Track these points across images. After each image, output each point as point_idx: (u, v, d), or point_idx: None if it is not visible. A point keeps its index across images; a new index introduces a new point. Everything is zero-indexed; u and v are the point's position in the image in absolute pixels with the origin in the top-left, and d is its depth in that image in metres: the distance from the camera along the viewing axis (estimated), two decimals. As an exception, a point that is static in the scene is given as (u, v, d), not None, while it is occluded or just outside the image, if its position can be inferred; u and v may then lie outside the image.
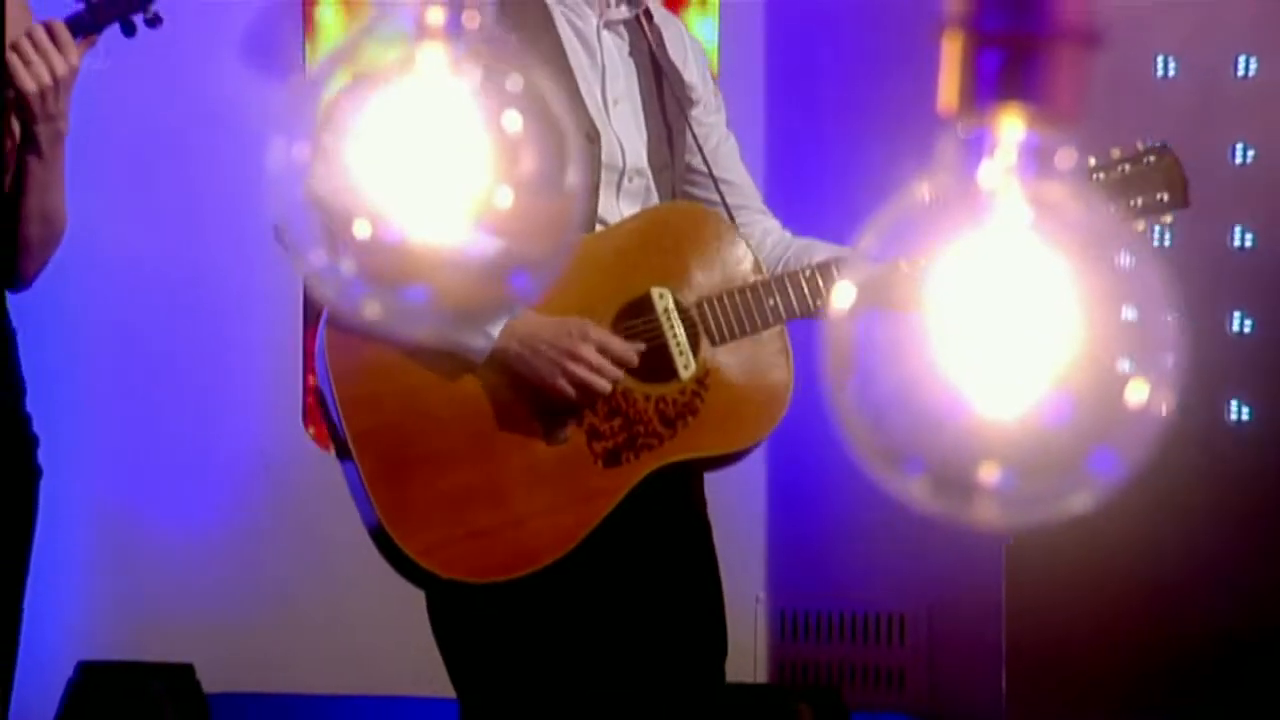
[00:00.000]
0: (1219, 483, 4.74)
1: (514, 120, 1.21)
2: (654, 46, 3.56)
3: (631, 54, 3.55)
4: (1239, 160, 4.87)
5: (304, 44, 5.33)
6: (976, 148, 1.11)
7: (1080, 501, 1.13)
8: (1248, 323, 4.87)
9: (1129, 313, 1.11)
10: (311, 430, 5.28)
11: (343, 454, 3.41)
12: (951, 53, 1.14)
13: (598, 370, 3.32)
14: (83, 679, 4.86)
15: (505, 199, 1.22)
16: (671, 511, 3.52)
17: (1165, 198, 3.54)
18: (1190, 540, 4.69)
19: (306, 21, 5.32)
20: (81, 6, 3.53)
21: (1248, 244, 4.85)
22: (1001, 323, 1.11)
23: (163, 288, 5.06)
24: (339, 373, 3.41)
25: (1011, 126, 1.10)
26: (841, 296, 2.89)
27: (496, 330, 3.31)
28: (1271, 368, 4.81)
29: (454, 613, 3.48)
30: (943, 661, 5.12)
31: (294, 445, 5.22)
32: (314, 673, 5.12)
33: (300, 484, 5.16)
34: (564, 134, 1.22)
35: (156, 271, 5.03)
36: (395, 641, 4.96)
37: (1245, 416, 4.83)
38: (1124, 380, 1.11)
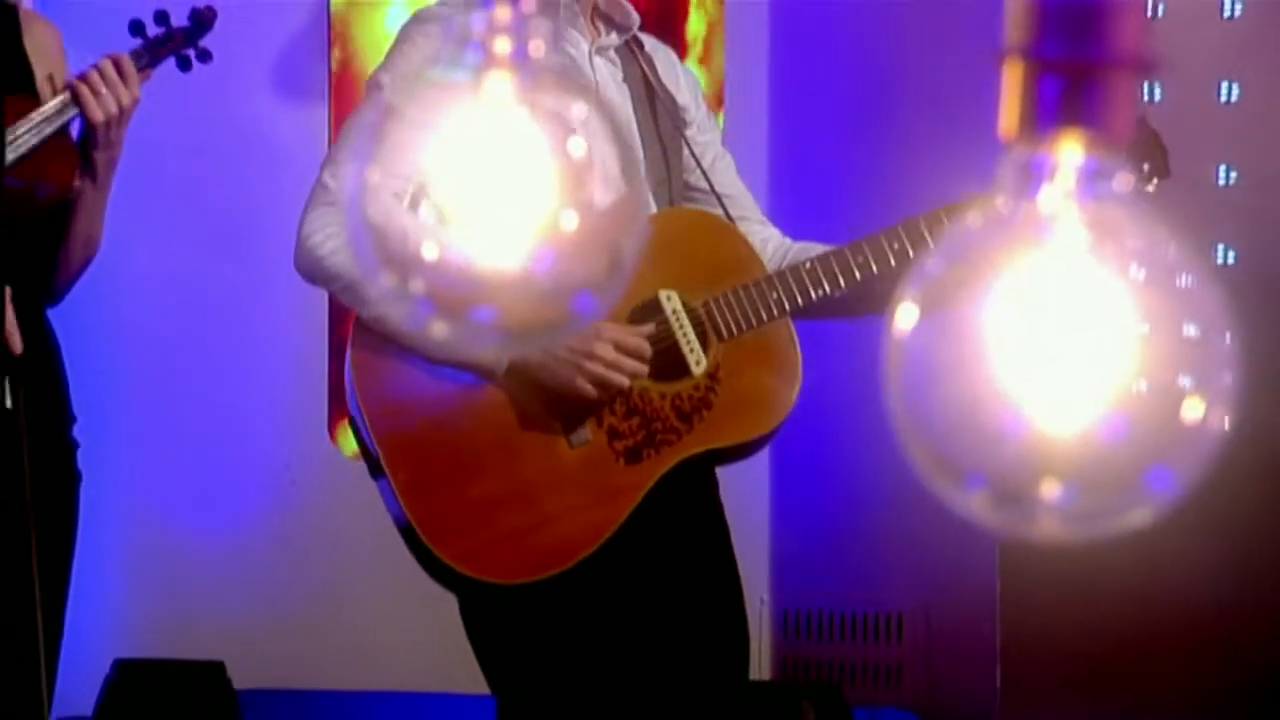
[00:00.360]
0: (1211, 484, 4.65)
1: (578, 146, 1.20)
2: (647, 71, 3.59)
3: (625, 79, 3.59)
4: (1222, 182, 4.85)
5: (329, 67, 5.29)
6: (1036, 172, 1.10)
7: (1138, 518, 1.12)
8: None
9: (1188, 331, 1.10)
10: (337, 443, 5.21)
11: (374, 469, 3.43)
12: (1012, 79, 1.13)
13: (615, 366, 3.34)
14: (119, 676, 4.84)
15: (570, 222, 1.21)
16: (690, 507, 3.52)
17: (1147, 167, 3.55)
18: (1183, 539, 4.41)
19: (333, 43, 5.30)
20: (140, 42, 3.62)
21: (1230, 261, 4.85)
22: (1061, 340, 1.10)
23: (196, 306, 5.06)
24: (365, 391, 3.43)
25: (1071, 151, 1.09)
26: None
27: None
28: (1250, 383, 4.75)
29: (489, 614, 3.48)
30: (939, 658, 5.10)
31: (319, 456, 5.18)
32: (339, 669, 5.10)
33: (325, 493, 5.15)
34: (628, 161, 1.22)
35: (191, 291, 5.03)
36: (416, 640, 5.02)
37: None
38: (1181, 398, 1.10)
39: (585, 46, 3.53)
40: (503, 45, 1.24)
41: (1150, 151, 3.57)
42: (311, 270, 3.42)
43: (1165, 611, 4.75)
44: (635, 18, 3.61)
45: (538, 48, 1.25)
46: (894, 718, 5.02)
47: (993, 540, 4.66)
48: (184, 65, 3.78)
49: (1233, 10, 4.88)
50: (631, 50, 3.60)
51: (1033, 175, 1.09)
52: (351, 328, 3.44)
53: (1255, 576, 4.71)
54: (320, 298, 5.01)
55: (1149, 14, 4.74)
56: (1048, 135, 1.09)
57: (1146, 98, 4.85)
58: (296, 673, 5.08)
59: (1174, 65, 4.78)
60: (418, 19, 3.57)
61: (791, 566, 5.19)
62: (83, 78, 3.54)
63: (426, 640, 4.88)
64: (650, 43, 3.67)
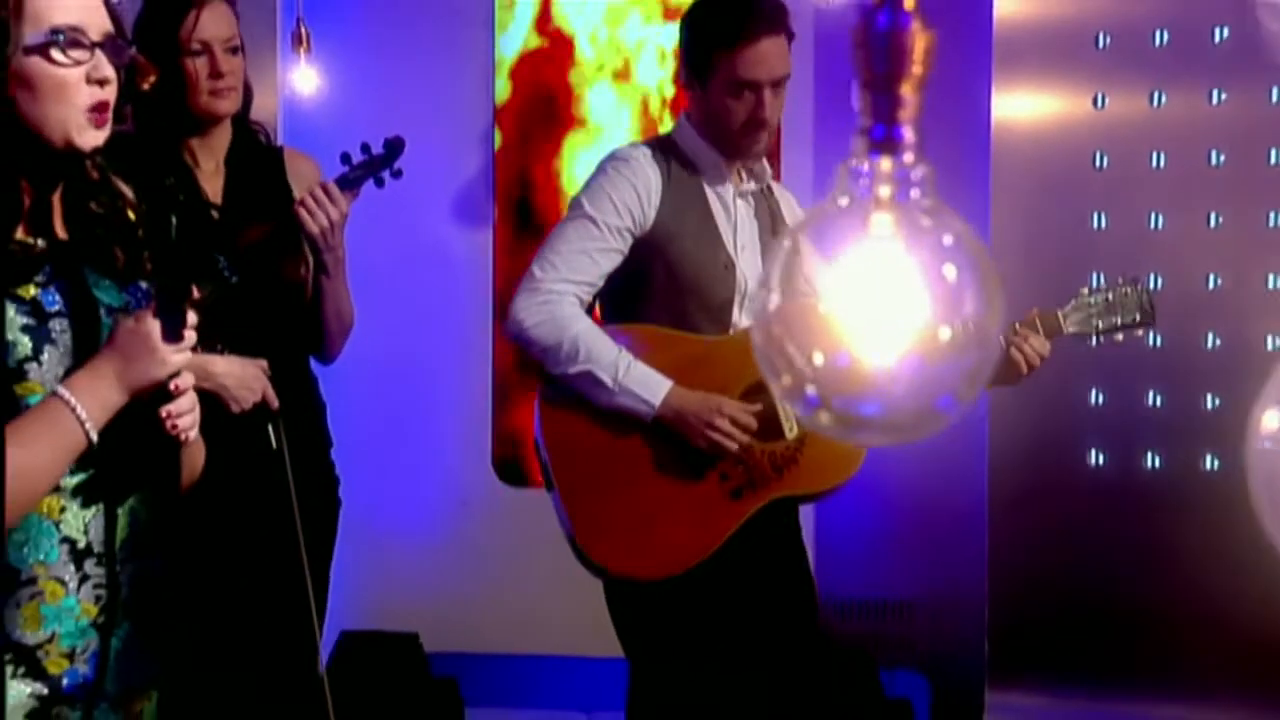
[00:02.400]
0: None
1: (951, 270, 1.10)
2: (774, 210, 3.63)
3: (756, 214, 3.59)
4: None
5: (494, 194, 5.28)
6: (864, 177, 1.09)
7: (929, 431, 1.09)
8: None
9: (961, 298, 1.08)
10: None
11: (549, 487, 3.49)
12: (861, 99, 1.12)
13: (728, 435, 3.40)
14: (344, 643, 4.92)
15: (944, 335, 1.10)
16: (779, 532, 3.58)
17: (1138, 318, 3.59)
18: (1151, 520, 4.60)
19: (497, 180, 5.22)
20: (345, 169, 3.63)
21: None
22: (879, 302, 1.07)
23: (402, 368, 5.11)
24: (547, 427, 3.49)
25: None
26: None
27: (658, 401, 3.40)
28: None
29: (627, 599, 3.55)
30: (941, 632, 4.99)
31: (485, 484, 5.22)
32: (504, 637, 5.12)
33: (489, 509, 5.20)
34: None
35: (396, 357, 5.06)
36: (563, 615, 4.97)
37: (1213, 406, 4.56)
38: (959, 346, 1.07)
39: (730, 190, 3.55)
40: (885, 190, 1.10)
41: (1141, 306, 3.60)
42: (517, 337, 3.45)
43: (1127, 590, 4.60)
44: (768, 173, 3.64)
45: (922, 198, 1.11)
46: (907, 675, 4.87)
47: (984, 543, 4.71)
48: (379, 184, 3.70)
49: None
50: (764, 194, 3.62)
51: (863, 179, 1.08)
52: (540, 381, 3.50)
53: (1236, 557, 4.22)
54: (485, 370, 5.21)
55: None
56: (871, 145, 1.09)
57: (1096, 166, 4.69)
58: (472, 640, 5.08)
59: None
60: (614, 157, 3.54)
61: (830, 564, 4.97)
62: (300, 202, 3.55)
63: (572, 615, 4.81)
64: (778, 189, 3.69)
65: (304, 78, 4.67)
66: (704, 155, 3.56)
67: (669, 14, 5.14)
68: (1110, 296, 3.60)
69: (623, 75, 5.23)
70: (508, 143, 5.26)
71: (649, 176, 3.51)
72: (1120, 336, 3.64)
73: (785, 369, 1.14)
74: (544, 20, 5.26)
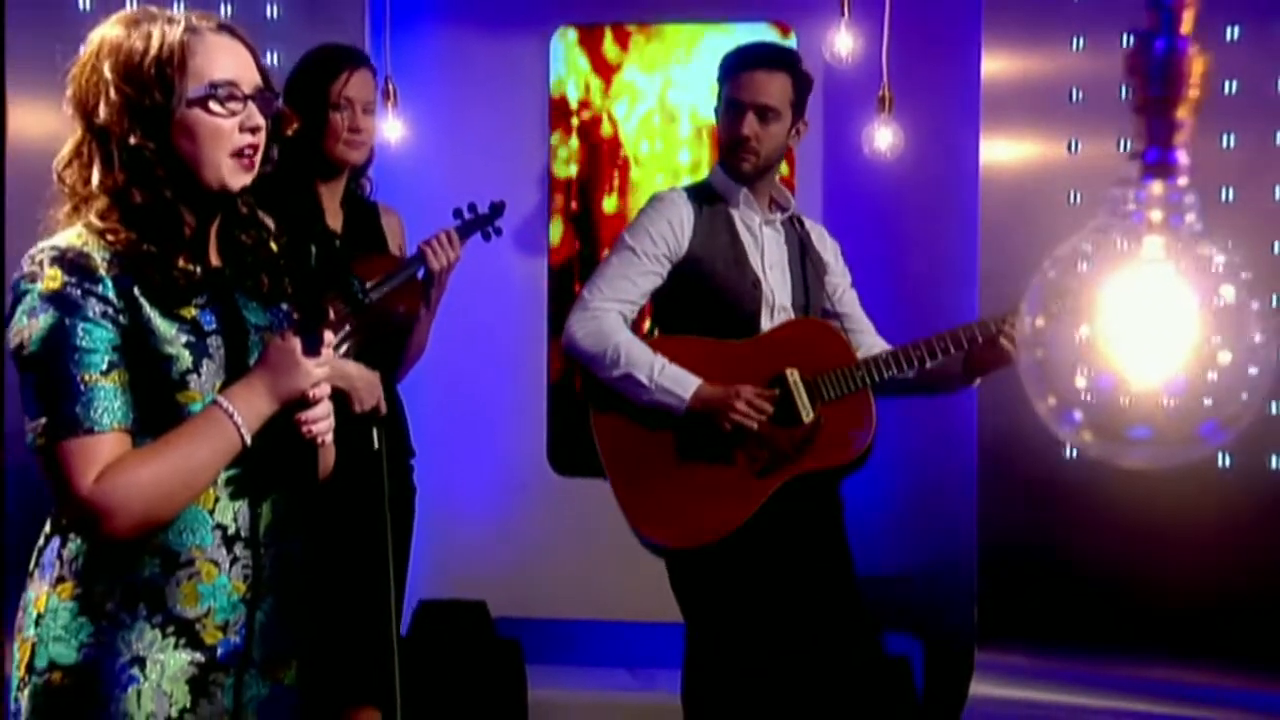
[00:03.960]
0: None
1: (1228, 292, 1.00)
2: (803, 238, 3.65)
3: (786, 240, 3.61)
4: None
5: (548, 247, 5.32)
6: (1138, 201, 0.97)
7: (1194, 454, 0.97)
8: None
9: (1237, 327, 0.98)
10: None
11: (604, 474, 3.53)
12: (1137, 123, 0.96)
13: (748, 415, 3.40)
14: (422, 610, 4.90)
15: (1223, 358, 0.98)
16: (813, 508, 3.54)
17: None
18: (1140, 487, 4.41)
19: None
20: (459, 222, 3.75)
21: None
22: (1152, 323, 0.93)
23: (461, 370, 5.01)
24: (598, 429, 3.54)
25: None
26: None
27: (689, 395, 3.42)
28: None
29: (682, 569, 3.54)
30: (934, 601, 4.92)
31: (541, 473, 5.18)
32: (563, 605, 5.09)
33: (545, 495, 5.15)
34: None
35: (460, 358, 4.95)
36: (613, 583, 4.97)
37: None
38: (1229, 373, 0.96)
39: (757, 220, 3.59)
40: (1156, 215, 1.02)
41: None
42: (569, 348, 3.51)
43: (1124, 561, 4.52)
44: (792, 202, 3.67)
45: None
46: (905, 639, 4.77)
47: (974, 520, 4.61)
48: (485, 237, 3.87)
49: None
50: (793, 224, 3.64)
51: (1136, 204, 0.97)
52: (590, 385, 3.52)
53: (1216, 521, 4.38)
54: (541, 376, 5.15)
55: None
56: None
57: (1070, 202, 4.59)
58: (532, 607, 5.05)
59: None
60: (654, 198, 3.63)
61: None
62: (427, 243, 3.67)
63: (617, 585, 4.94)
64: (809, 222, 3.72)
65: (392, 128, 4.67)
66: (729, 188, 3.62)
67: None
68: None
69: (667, 118, 5.20)
70: (561, 180, 5.25)
71: (681, 211, 3.58)
72: None
73: (1050, 390, 1.04)
74: (596, 67, 5.23)
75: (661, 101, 5.22)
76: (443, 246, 3.64)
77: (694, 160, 5.21)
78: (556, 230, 5.25)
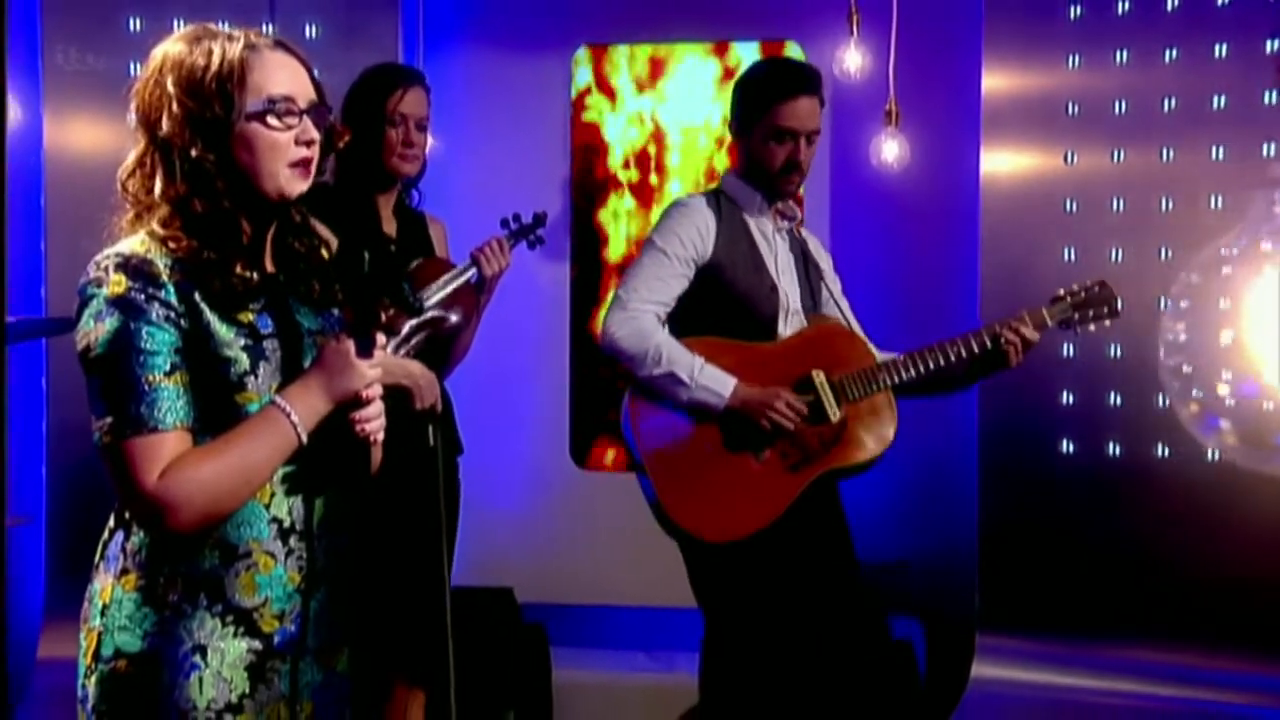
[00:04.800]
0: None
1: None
2: (804, 245, 3.63)
3: (791, 248, 3.58)
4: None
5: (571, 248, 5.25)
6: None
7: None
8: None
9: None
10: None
11: (639, 470, 3.44)
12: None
13: (786, 417, 3.37)
14: (453, 596, 4.49)
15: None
16: (824, 503, 3.52)
17: (1107, 309, 3.54)
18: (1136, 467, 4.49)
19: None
20: (506, 231, 3.74)
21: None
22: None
23: (490, 373, 4.86)
24: (635, 419, 3.45)
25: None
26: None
27: (728, 394, 3.37)
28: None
29: (706, 561, 3.48)
30: (936, 587, 4.86)
31: (564, 468, 5.16)
32: (584, 590, 5.08)
33: (569, 489, 5.14)
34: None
35: (490, 361, 4.73)
36: (631, 571, 4.96)
37: (1163, 405, 4.36)
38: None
39: (769, 227, 3.56)
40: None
41: (1109, 301, 3.56)
42: (609, 347, 3.43)
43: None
44: (798, 214, 3.64)
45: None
46: (907, 620, 4.70)
47: (974, 513, 4.62)
48: (530, 245, 3.86)
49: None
50: (794, 233, 3.61)
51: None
52: (629, 382, 3.46)
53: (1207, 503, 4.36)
54: (564, 378, 5.15)
55: None
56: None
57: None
58: (555, 593, 5.02)
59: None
60: (677, 204, 3.57)
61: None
62: (480, 250, 3.65)
63: (634, 573, 4.92)
64: (805, 232, 3.68)
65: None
66: (747, 197, 3.56)
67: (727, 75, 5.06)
68: (1084, 295, 3.57)
69: (680, 133, 5.17)
70: (581, 192, 5.23)
71: (706, 217, 3.53)
72: (1093, 327, 3.59)
73: (1192, 396, 0.98)
74: (610, 90, 5.20)
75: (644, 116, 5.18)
76: (495, 253, 3.63)
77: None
78: (577, 237, 5.22)
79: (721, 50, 5.11)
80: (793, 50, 4.99)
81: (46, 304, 4.66)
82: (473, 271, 3.69)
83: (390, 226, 3.70)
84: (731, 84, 3.66)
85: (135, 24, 4.68)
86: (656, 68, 5.17)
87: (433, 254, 3.77)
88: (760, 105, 3.48)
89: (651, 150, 5.20)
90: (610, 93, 5.19)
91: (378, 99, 3.64)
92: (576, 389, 5.22)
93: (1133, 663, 4.43)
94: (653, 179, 5.21)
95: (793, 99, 3.45)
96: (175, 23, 4.42)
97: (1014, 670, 4.51)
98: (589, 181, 5.21)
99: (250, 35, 2.10)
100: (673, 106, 5.18)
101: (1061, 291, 3.57)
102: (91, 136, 4.72)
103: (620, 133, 5.19)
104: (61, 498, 4.71)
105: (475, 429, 4.85)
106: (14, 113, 4.55)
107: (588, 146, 5.19)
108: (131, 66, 4.60)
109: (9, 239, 4.83)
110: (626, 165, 5.19)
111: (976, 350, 3.47)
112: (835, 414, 3.45)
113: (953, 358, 3.47)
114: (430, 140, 4.34)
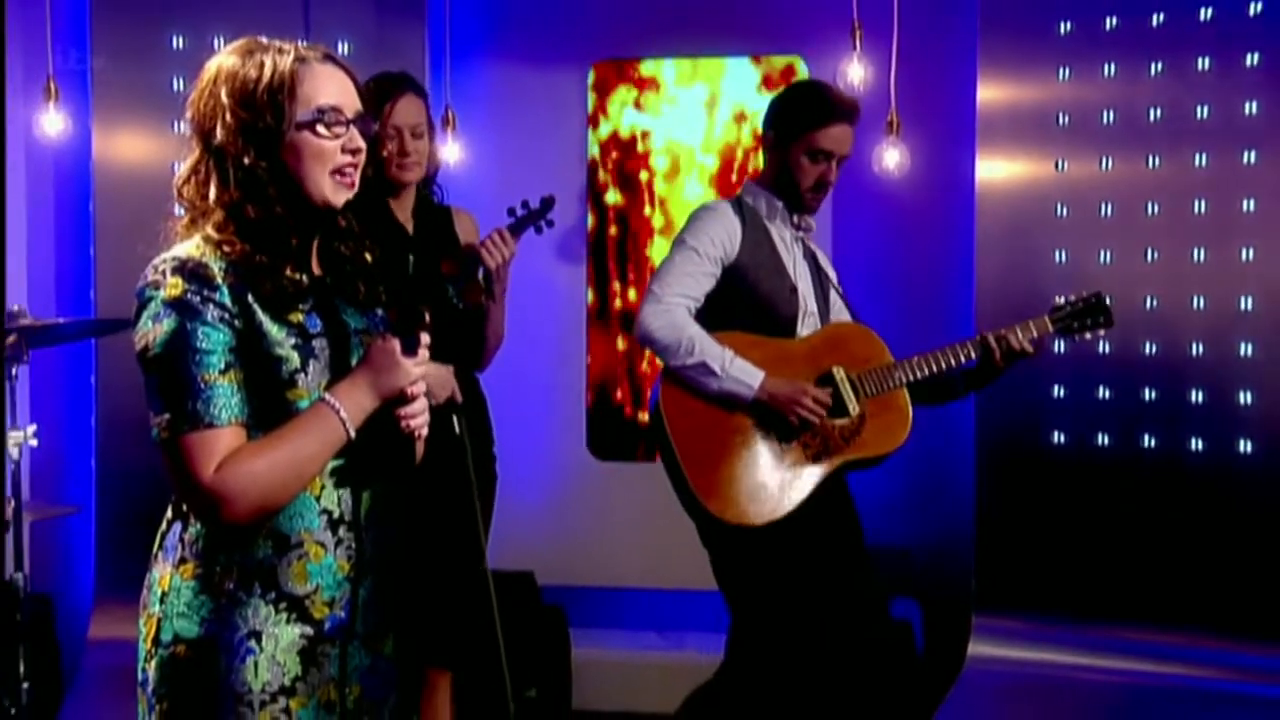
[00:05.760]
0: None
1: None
2: (814, 253, 3.62)
3: (804, 255, 3.56)
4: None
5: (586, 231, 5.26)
6: None
7: None
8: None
9: None
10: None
11: (667, 452, 3.38)
12: None
13: (812, 410, 3.35)
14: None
15: None
16: (835, 491, 3.46)
17: (1103, 319, 3.53)
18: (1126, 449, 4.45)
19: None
20: (512, 219, 3.60)
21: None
22: None
23: (512, 368, 4.79)
24: (667, 407, 3.39)
25: None
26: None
27: (756, 385, 3.34)
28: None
29: (732, 546, 3.42)
30: (934, 571, 4.82)
31: (581, 458, 5.12)
32: (600, 573, 5.05)
33: (583, 478, 5.11)
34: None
35: (512, 357, 4.56)
36: (644, 555, 4.93)
37: (1150, 399, 4.44)
38: None
39: (789, 235, 3.54)
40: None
41: (1104, 311, 3.55)
42: (644, 338, 3.39)
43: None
44: (813, 226, 3.62)
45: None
46: (907, 602, 4.71)
47: (971, 501, 4.58)
48: (538, 230, 3.67)
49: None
50: (806, 243, 3.60)
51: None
52: (661, 372, 3.42)
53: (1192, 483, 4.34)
54: (581, 373, 5.10)
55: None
56: None
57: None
58: (573, 577, 5.00)
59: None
60: (706, 207, 3.54)
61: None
62: (481, 243, 3.54)
63: (647, 557, 4.89)
64: (813, 244, 3.65)
65: (451, 150, 4.63)
66: (770, 205, 3.53)
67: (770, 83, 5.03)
68: (1081, 305, 3.55)
69: (694, 142, 5.14)
70: (596, 196, 5.19)
71: (733, 220, 3.51)
72: (1089, 335, 3.58)
73: None
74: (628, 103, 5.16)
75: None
76: (496, 245, 3.52)
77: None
78: (593, 240, 5.17)
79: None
80: (799, 66, 4.98)
81: (96, 306, 4.66)
82: (478, 265, 3.58)
83: (408, 226, 3.60)
84: (773, 96, 3.64)
85: (178, 41, 4.66)
86: (649, 84, 5.15)
87: (458, 247, 3.66)
88: (802, 124, 3.46)
89: (664, 158, 5.17)
90: (605, 110, 5.17)
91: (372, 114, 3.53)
92: (593, 385, 5.19)
93: (1121, 641, 4.39)
94: (662, 182, 5.18)
95: (835, 124, 3.44)
96: (215, 40, 4.44)
97: (1008, 649, 4.49)
98: (603, 186, 5.20)
99: (300, 48, 2.07)
100: (666, 122, 5.15)
101: (1060, 301, 3.55)
102: (137, 148, 4.72)
103: (636, 141, 5.17)
104: (110, 488, 4.69)
105: (499, 424, 4.83)
106: (65, 125, 4.56)
107: (604, 151, 5.18)
108: (174, 81, 4.62)
109: (61, 247, 4.91)
110: (640, 172, 5.17)
111: (986, 352, 3.46)
112: (855, 408, 3.43)
113: (963, 358, 3.47)
114: (440, 141, 4.25)
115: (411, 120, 3.52)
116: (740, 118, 5.06)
